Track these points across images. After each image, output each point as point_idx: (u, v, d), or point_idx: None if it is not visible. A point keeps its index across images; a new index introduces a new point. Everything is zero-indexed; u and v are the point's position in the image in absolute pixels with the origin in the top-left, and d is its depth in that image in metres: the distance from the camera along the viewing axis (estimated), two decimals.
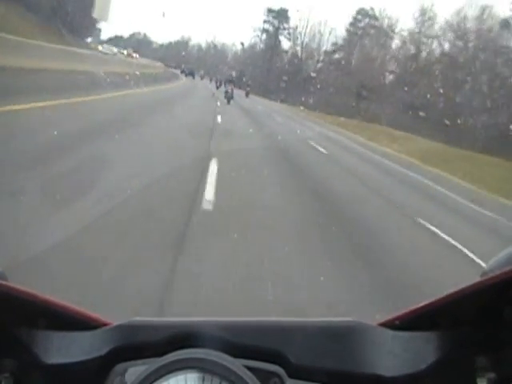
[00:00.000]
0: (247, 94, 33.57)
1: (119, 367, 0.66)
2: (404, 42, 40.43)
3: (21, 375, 0.64)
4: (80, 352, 0.66)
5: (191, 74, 48.76)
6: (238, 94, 29.04)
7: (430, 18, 38.45)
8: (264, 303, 3.05)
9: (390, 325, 0.67)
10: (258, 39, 54.54)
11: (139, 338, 0.67)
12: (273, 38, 53.62)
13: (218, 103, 21.49)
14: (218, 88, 31.47)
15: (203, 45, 63.25)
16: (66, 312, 0.66)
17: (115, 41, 54.04)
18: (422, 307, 0.64)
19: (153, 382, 0.60)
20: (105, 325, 0.68)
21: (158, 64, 43.97)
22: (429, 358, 0.64)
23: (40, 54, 14.18)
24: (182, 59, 56.59)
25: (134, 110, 12.20)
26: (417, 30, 39.11)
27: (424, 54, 38.46)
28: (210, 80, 45.17)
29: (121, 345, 0.67)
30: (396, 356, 0.65)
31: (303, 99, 35.81)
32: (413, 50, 38.99)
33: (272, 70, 49.47)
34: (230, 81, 24.31)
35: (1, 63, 10.58)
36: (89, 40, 37.89)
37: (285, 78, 43.13)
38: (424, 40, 38.66)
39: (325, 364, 0.66)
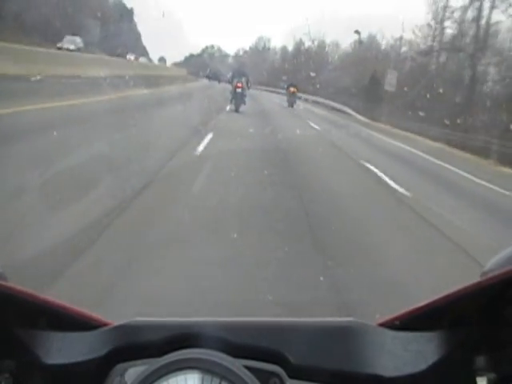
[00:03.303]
0: (292, 103, 21.54)
1: (119, 367, 0.66)
2: None
3: (21, 375, 0.64)
4: (80, 352, 0.66)
5: (216, 77, 41.36)
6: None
7: None
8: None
9: (390, 325, 0.67)
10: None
11: (139, 338, 0.67)
12: None
13: None
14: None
15: (290, 47, 44.88)
16: (66, 312, 0.66)
17: (189, 59, 52.19)
18: (422, 307, 0.64)
19: (153, 382, 0.60)
20: (105, 325, 0.68)
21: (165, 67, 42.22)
22: (429, 358, 0.63)
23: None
24: (258, 71, 41.07)
25: None
26: None
27: None
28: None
29: (121, 345, 0.67)
30: (396, 356, 0.65)
31: None
32: None
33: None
34: (240, 74, 14.95)
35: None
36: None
37: None
38: None
39: (325, 364, 0.66)
